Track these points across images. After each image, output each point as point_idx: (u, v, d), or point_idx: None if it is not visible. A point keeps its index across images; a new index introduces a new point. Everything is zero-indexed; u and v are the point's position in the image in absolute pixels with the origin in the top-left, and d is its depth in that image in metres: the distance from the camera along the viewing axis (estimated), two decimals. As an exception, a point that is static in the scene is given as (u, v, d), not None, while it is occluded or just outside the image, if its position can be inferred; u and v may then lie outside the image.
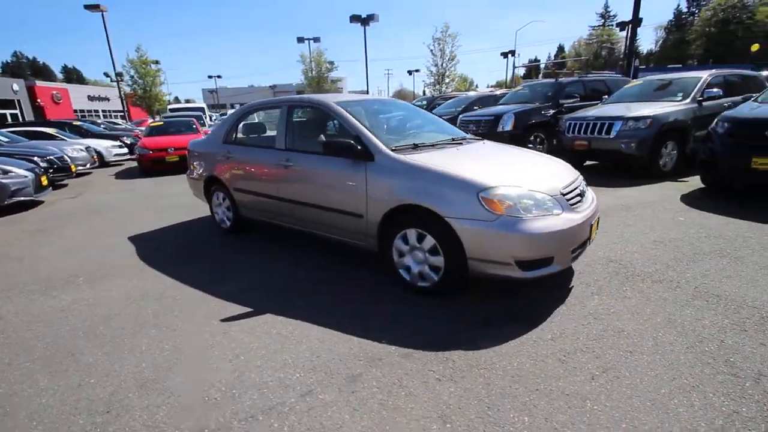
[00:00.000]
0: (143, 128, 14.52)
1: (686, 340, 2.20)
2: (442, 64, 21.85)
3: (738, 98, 6.88)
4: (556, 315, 2.52)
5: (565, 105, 8.66)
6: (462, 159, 2.91)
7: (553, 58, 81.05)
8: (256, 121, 4.27)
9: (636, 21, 12.70)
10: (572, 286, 2.89)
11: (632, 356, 2.09)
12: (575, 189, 2.74)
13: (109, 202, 6.90)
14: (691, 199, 4.95)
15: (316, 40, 25.91)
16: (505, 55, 33.92)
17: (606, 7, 75.90)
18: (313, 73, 23.08)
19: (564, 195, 2.60)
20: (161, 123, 11.18)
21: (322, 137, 3.44)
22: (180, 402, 1.93)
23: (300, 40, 26.02)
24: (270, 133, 4.03)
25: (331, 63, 23.56)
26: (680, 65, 48.31)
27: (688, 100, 6.54)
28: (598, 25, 75.25)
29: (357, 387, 1.97)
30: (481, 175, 2.55)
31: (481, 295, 2.78)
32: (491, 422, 1.72)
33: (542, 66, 54.80)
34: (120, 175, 10.20)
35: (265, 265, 3.58)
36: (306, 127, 3.81)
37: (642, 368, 2.00)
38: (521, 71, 71.18)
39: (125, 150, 12.48)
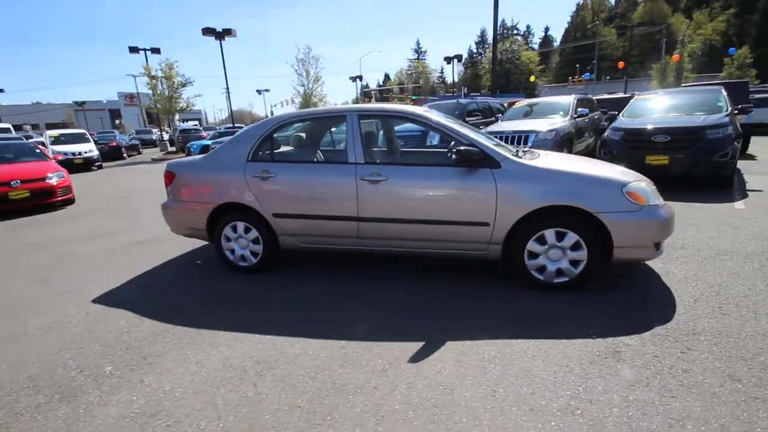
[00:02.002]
0: None
1: (763, 281, 2.99)
2: (308, 85, 21.94)
3: (594, 114, 9.35)
4: (669, 285, 3.04)
5: (471, 122, 10.01)
6: (570, 162, 3.20)
7: (382, 84, 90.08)
8: (301, 133, 3.62)
9: (495, 58, 15.72)
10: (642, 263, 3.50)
11: (752, 298, 2.74)
12: (647, 182, 3.38)
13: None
14: (607, 191, 6.47)
15: (155, 51, 22.17)
16: (353, 79, 36.41)
17: (418, 44, 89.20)
18: (163, 89, 19.58)
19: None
20: (-21, 148, 7.86)
21: (438, 145, 3.22)
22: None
23: (134, 50, 21.66)
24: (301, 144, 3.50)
25: (174, 75, 20.20)
26: (478, 93, 60.83)
27: (568, 117, 8.48)
28: (414, 59, 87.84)
29: (644, 379, 2.01)
30: (614, 174, 2.90)
31: (590, 286, 3.08)
32: (759, 367, 2.03)
33: (374, 91, 60.37)
34: None
35: (366, 296, 3.09)
36: (391, 138, 3.47)
37: (769, 305, 2.65)
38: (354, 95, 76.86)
39: None
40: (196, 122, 44.59)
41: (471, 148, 2.93)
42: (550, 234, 2.90)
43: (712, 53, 56.05)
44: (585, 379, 2.03)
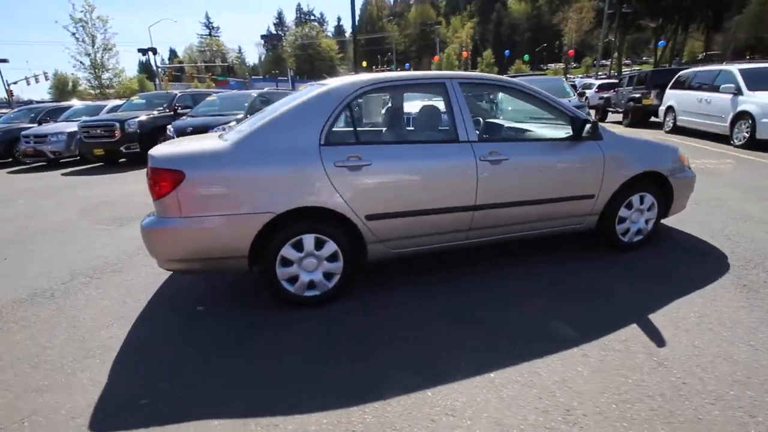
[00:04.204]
0: None
1: (717, 215, 4.07)
2: (95, 55, 16.45)
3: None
4: (680, 229, 3.79)
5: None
6: (632, 134, 3.51)
7: (168, 61, 77.35)
8: (385, 104, 2.66)
9: (356, 39, 15.44)
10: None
11: (731, 228, 3.69)
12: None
13: None
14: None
15: None
16: (144, 51, 29.30)
17: (207, 18, 79.74)
18: None
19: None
20: None
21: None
22: None
23: None
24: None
25: None
26: (285, 78, 60.30)
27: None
28: (206, 35, 78.35)
29: (795, 301, 2.49)
30: (665, 142, 3.36)
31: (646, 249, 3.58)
32: (821, 274, 2.83)
33: (168, 68, 51.18)
34: None
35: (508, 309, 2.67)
36: (494, 111, 2.93)
37: None
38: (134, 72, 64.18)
39: None
40: None
41: (590, 120, 2.87)
42: (636, 199, 3.17)
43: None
44: (767, 312, 2.38)
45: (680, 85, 10.32)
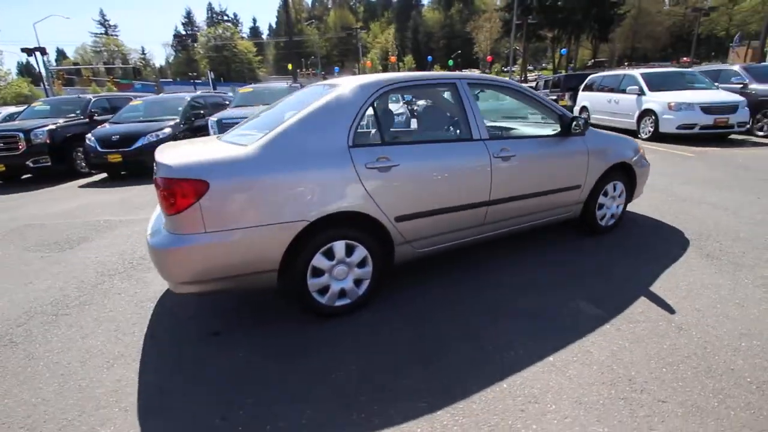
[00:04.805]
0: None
1: (666, 202, 4.73)
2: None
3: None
4: (641, 213, 4.32)
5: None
6: None
7: (55, 63, 67.87)
8: (402, 104, 2.59)
9: (291, 40, 14.71)
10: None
11: (684, 211, 4.34)
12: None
13: None
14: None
15: None
16: (29, 52, 25.06)
17: (102, 15, 71.50)
18: None
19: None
20: None
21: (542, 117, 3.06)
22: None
23: None
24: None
25: None
26: (200, 81, 56.76)
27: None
28: (102, 33, 70.09)
29: None
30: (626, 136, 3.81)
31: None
32: None
33: (61, 70, 44.53)
34: None
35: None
36: (493, 110, 3.00)
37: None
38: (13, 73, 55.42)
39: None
40: None
41: (576, 118, 3.13)
42: (610, 187, 3.55)
43: (387, 58, 72.31)
44: (733, 273, 2.83)
45: (590, 88, 11.73)
